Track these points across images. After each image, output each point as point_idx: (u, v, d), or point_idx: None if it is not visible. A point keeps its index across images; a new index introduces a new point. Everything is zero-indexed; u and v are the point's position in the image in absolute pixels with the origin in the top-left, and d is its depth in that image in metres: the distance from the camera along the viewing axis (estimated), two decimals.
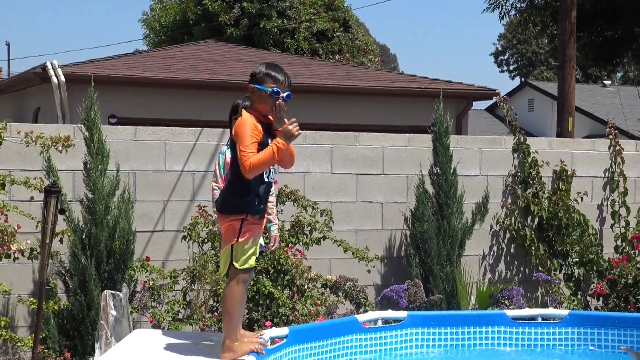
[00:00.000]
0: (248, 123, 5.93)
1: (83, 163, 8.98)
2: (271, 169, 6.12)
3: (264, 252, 8.22)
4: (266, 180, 6.08)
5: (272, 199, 7.22)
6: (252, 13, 31.49)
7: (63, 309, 8.78)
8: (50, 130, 9.00)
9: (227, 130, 10.02)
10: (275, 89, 6.07)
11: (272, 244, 7.47)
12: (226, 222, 6.03)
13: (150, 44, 36.32)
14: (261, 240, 6.89)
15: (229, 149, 6.79)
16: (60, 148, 8.52)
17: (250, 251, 6.00)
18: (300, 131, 6.10)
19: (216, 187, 7.32)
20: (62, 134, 8.61)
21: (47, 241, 7.68)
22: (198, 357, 6.26)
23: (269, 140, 5.95)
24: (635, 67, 44.19)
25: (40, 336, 8.23)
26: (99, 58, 20.66)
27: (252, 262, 6.02)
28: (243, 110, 6.08)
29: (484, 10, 24.42)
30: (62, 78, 17.08)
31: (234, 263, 5.96)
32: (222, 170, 7.24)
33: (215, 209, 7.34)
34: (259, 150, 5.86)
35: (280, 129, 5.96)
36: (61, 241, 8.74)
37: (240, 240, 5.94)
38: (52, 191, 7.63)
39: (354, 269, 10.01)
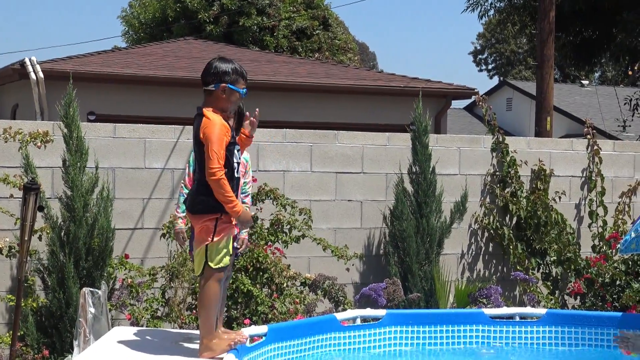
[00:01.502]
0: (218, 125, 5.93)
1: (62, 160, 8.94)
2: (236, 164, 6.09)
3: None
4: (236, 175, 6.10)
5: (247, 200, 7.15)
6: (232, 11, 31.44)
7: (41, 306, 8.76)
8: (28, 127, 8.97)
9: None
10: (246, 90, 6.13)
11: (240, 247, 7.06)
12: (200, 222, 6.02)
13: (129, 41, 36.20)
14: (236, 243, 6.88)
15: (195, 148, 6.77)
16: (39, 144, 8.51)
17: (225, 250, 6.01)
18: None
19: (183, 186, 7.18)
20: (41, 130, 8.61)
21: (26, 238, 7.66)
22: (176, 355, 6.26)
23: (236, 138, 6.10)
24: (613, 67, 44.40)
25: (19, 333, 8.21)
26: (78, 55, 20.57)
27: (226, 260, 6.03)
28: (210, 110, 6.03)
29: (464, 10, 24.50)
30: (41, 74, 17.00)
31: (209, 263, 5.97)
32: (191, 169, 6.89)
33: (178, 209, 7.32)
34: (227, 150, 5.93)
35: (245, 212, 6.06)
36: (40, 238, 8.72)
37: (215, 239, 5.95)
38: (31, 188, 7.61)
39: (333, 267, 10.03)
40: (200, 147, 5.96)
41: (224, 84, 6.06)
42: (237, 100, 6.18)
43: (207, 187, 5.95)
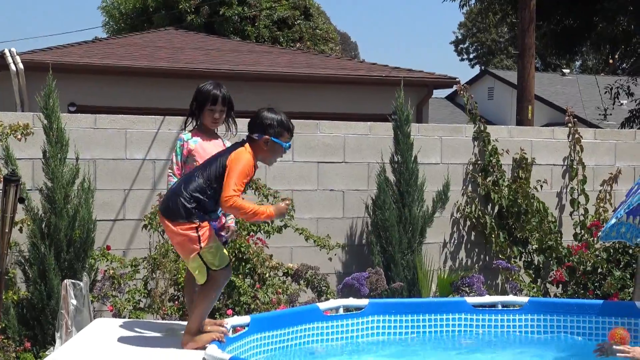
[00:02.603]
0: (247, 164, 5.99)
1: (42, 151, 8.90)
2: None
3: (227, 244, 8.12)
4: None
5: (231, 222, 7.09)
6: (213, 1, 31.36)
7: (23, 298, 8.72)
8: (8, 119, 8.92)
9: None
10: (289, 144, 6.16)
11: (226, 234, 7.00)
12: (178, 232, 5.93)
13: (109, 32, 36.07)
14: (224, 232, 6.88)
15: (190, 141, 6.75)
16: (19, 136, 8.46)
17: (217, 247, 5.99)
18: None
19: (171, 174, 7.05)
20: (21, 122, 8.55)
21: (7, 230, 7.61)
22: (159, 346, 6.25)
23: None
24: (593, 56, 44.54)
25: (0, 326, 8.17)
26: (58, 45, 20.50)
27: (225, 255, 6.03)
28: (247, 145, 6.10)
29: None
30: (21, 66, 16.91)
31: (212, 268, 5.94)
32: (179, 157, 6.86)
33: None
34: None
35: (275, 207, 6.16)
36: (20, 230, 8.68)
37: (203, 245, 5.91)
38: (11, 180, 7.56)
39: (315, 257, 10.03)
40: (223, 167, 5.96)
41: (267, 136, 6.05)
42: (279, 153, 6.19)
43: (198, 194, 5.91)
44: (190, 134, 6.84)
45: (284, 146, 6.18)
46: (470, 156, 11.35)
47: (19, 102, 16.96)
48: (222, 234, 6.82)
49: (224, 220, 6.82)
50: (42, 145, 8.94)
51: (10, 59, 16.99)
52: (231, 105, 6.90)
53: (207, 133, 6.83)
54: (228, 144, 6.87)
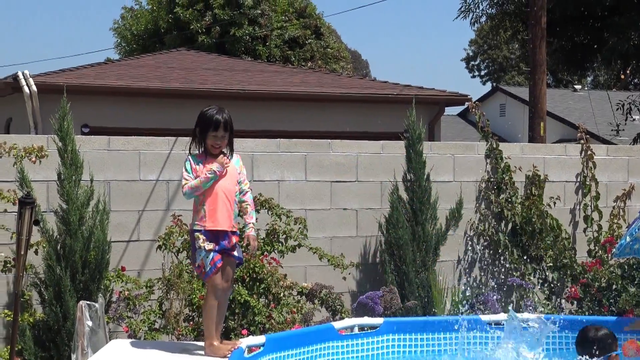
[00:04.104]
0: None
1: (57, 173, 8.94)
2: None
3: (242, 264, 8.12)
4: None
5: (246, 197, 7.10)
6: (224, 21, 31.47)
7: (39, 320, 8.75)
8: (23, 141, 8.97)
9: None
10: None
11: (246, 243, 6.99)
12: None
13: (122, 53, 36.24)
14: (237, 252, 6.91)
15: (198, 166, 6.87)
16: (33, 159, 8.51)
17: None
18: None
19: (187, 179, 6.86)
20: (36, 145, 8.60)
21: (22, 253, 7.66)
22: None
23: None
24: (605, 72, 44.49)
25: (17, 348, 8.20)
26: (71, 67, 20.60)
27: None
28: None
29: (456, 17, 24.50)
30: (34, 88, 17.01)
31: None
32: (190, 172, 6.84)
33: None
34: None
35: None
36: (36, 252, 8.72)
37: None
38: (26, 202, 7.61)
39: (329, 276, 10.03)
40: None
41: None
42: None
43: None
44: (196, 157, 6.91)
45: None
46: (483, 173, 11.35)
47: (33, 124, 17.05)
48: (234, 253, 6.85)
49: (234, 241, 6.84)
50: (56, 167, 8.98)
51: (23, 82, 17.09)
52: (232, 129, 6.96)
53: (212, 156, 6.88)
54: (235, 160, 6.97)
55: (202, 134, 6.89)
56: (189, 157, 6.92)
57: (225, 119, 6.86)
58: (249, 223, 7.01)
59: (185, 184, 6.80)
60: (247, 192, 7.07)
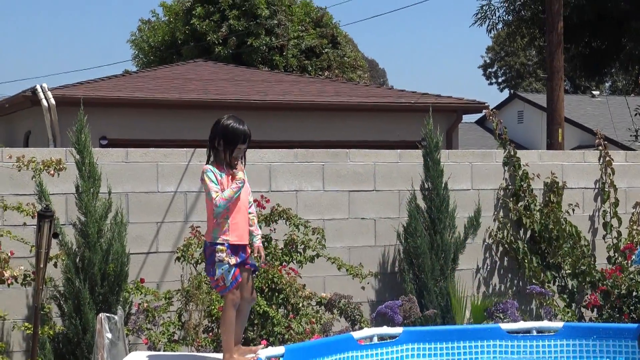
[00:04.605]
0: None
1: (75, 186, 8.98)
2: None
3: (257, 271, 8.13)
4: None
5: (252, 209, 7.09)
6: (240, 32, 31.54)
7: (58, 333, 8.77)
8: (41, 154, 9.01)
9: None
10: None
11: (256, 253, 6.98)
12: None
13: (139, 65, 36.35)
14: (250, 259, 6.90)
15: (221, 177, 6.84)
16: (52, 172, 8.54)
17: None
18: None
19: (217, 192, 6.72)
20: (54, 158, 8.63)
21: (41, 266, 7.69)
22: None
23: None
24: (623, 77, 44.36)
25: None
26: (89, 80, 20.68)
27: None
28: None
29: (472, 24, 24.49)
30: (52, 101, 17.09)
31: None
32: (216, 183, 6.72)
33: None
34: None
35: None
36: (55, 265, 8.75)
37: None
38: (45, 215, 7.64)
39: (348, 285, 10.02)
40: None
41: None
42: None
43: None
44: (216, 168, 6.81)
45: None
46: (501, 181, 11.33)
47: (51, 137, 17.13)
48: (248, 261, 6.83)
49: (248, 252, 6.83)
50: (74, 180, 9.02)
51: (42, 95, 17.18)
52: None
53: (229, 166, 6.82)
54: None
55: (228, 146, 6.80)
56: (210, 168, 6.81)
57: (250, 130, 6.88)
58: (258, 234, 6.99)
59: (217, 196, 6.65)
60: (252, 204, 7.06)
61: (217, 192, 6.65)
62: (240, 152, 6.82)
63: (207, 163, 6.88)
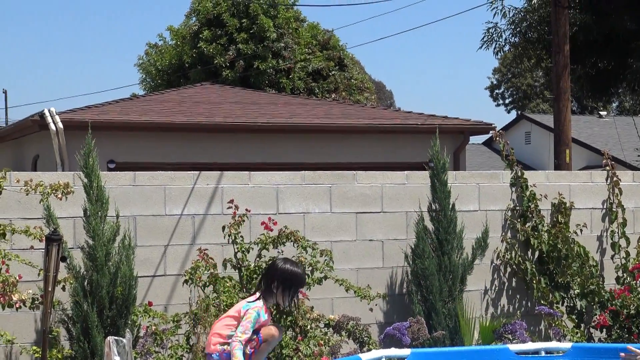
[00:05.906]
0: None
1: (83, 210, 9.00)
2: None
3: None
4: None
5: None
6: (247, 55, 31.65)
7: (67, 356, 8.77)
8: (49, 178, 9.03)
9: (226, 172, 10.10)
10: None
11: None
12: None
13: (146, 88, 36.46)
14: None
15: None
16: (59, 195, 8.55)
17: None
18: None
19: (239, 342, 7.20)
20: (62, 182, 8.65)
21: (50, 289, 7.70)
22: None
23: None
24: (630, 97, 44.41)
25: None
26: (96, 104, 20.76)
27: None
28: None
29: (479, 47, 24.48)
30: (60, 125, 17.15)
31: None
32: (252, 331, 7.25)
33: None
34: None
35: None
36: (63, 289, 8.75)
37: None
38: (53, 239, 7.66)
39: (356, 307, 10.01)
40: None
41: None
42: None
43: None
44: (264, 308, 7.25)
45: None
46: (509, 202, 11.32)
47: (59, 161, 17.17)
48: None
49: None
50: (82, 203, 9.04)
51: (50, 119, 17.23)
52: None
53: (280, 309, 7.31)
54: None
55: (288, 290, 7.25)
56: (260, 309, 7.22)
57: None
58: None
59: (242, 337, 7.09)
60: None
61: (246, 338, 7.14)
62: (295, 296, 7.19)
63: (258, 299, 7.25)
